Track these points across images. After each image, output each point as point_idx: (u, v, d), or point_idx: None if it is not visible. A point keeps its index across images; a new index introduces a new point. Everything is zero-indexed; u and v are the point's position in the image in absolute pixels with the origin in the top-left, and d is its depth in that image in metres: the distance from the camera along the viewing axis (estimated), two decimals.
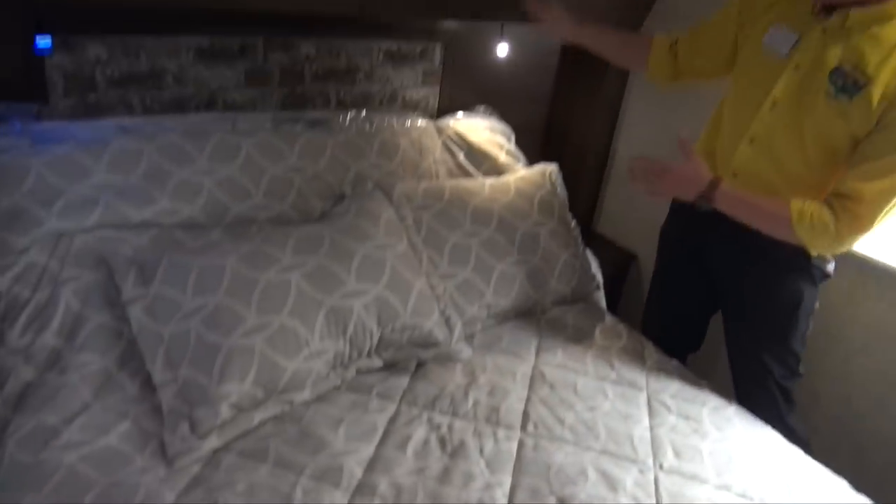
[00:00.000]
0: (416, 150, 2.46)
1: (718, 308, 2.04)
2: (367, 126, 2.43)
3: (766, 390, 1.90)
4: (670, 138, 2.85)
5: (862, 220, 1.47)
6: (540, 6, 2.07)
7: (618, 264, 3.14)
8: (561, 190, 2.58)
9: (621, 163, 3.17)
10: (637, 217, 3.11)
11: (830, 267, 1.76)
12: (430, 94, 2.80)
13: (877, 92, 1.40)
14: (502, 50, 2.75)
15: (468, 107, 2.83)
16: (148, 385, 1.55)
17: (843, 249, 1.57)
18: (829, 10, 1.50)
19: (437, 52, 2.72)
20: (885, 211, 1.46)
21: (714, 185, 1.59)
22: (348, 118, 2.42)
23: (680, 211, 2.03)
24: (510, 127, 2.83)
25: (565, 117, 3.16)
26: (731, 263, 1.85)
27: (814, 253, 1.62)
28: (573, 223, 2.51)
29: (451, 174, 2.53)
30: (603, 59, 2.14)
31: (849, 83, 1.44)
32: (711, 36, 1.86)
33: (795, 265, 1.72)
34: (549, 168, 2.57)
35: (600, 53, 2.10)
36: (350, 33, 2.48)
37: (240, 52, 2.30)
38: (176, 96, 2.22)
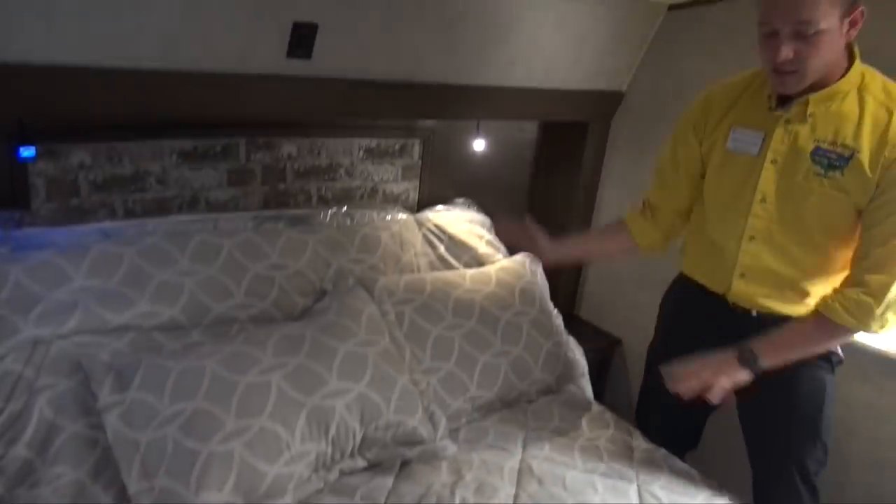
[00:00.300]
0: (396, 243, 2.49)
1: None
2: (348, 221, 2.47)
3: (790, 487, 1.77)
4: None
5: (891, 283, 1.46)
6: (515, 233, 1.99)
7: (603, 350, 3.13)
8: (541, 278, 2.61)
9: None
10: (620, 301, 3.13)
11: (842, 354, 1.74)
12: (410, 188, 2.87)
13: (865, 158, 1.43)
14: (479, 145, 2.84)
15: (447, 199, 2.89)
16: (123, 496, 1.50)
17: (892, 320, 1.51)
18: (784, 101, 1.54)
19: (416, 148, 2.80)
20: None
21: (745, 351, 1.56)
22: (329, 214, 2.46)
23: (683, 287, 1.93)
24: (489, 218, 2.89)
25: (543, 206, 3.24)
26: None
27: (876, 330, 1.52)
28: (555, 312, 2.52)
29: (432, 266, 2.56)
30: (595, 259, 2.06)
31: (834, 158, 1.47)
32: (679, 172, 1.83)
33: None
34: (530, 257, 2.60)
35: (589, 258, 2.03)
36: (331, 132, 2.55)
37: (222, 154, 2.35)
38: (159, 198, 2.26)
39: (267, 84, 2.01)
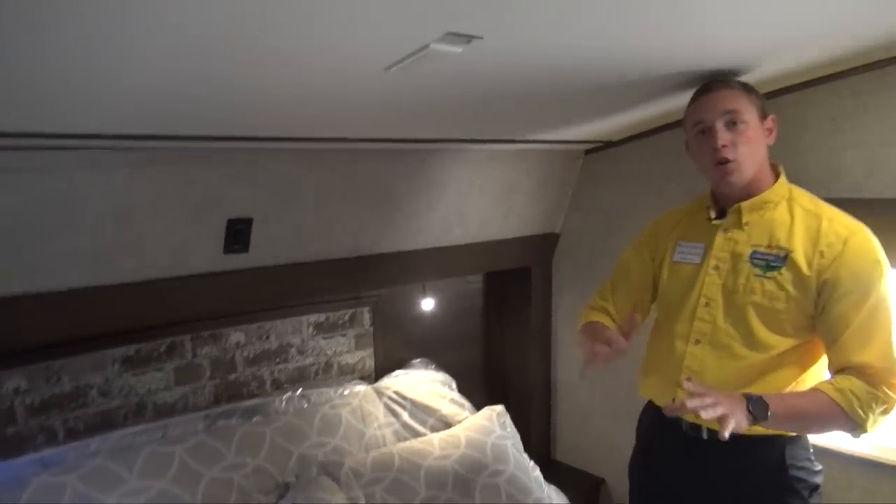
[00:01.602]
0: (358, 418, 2.41)
1: None
2: (305, 404, 2.39)
3: None
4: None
5: (892, 375, 1.45)
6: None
7: (586, 492, 3.00)
8: (511, 430, 2.54)
9: (564, 388, 3.19)
10: (595, 439, 3.05)
11: (818, 478, 1.65)
12: (366, 357, 2.82)
13: (800, 258, 1.51)
14: (428, 304, 2.86)
15: (405, 362, 2.85)
16: None
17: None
18: (721, 214, 1.65)
19: (366, 316, 2.79)
20: None
21: (755, 397, 1.43)
22: (285, 400, 2.38)
23: (650, 435, 1.89)
24: (450, 374, 2.84)
25: (501, 353, 3.22)
26: (706, 491, 1.70)
27: (870, 430, 1.48)
28: (531, 464, 2.43)
29: (398, 436, 2.46)
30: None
31: (770, 259, 1.55)
32: (630, 279, 1.88)
33: (777, 482, 1.61)
34: (496, 410, 2.55)
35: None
36: (277, 314, 2.53)
37: (167, 353, 2.29)
38: (102, 411, 2.15)
39: (206, 282, 2.00)
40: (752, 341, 1.59)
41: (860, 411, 1.44)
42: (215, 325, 2.36)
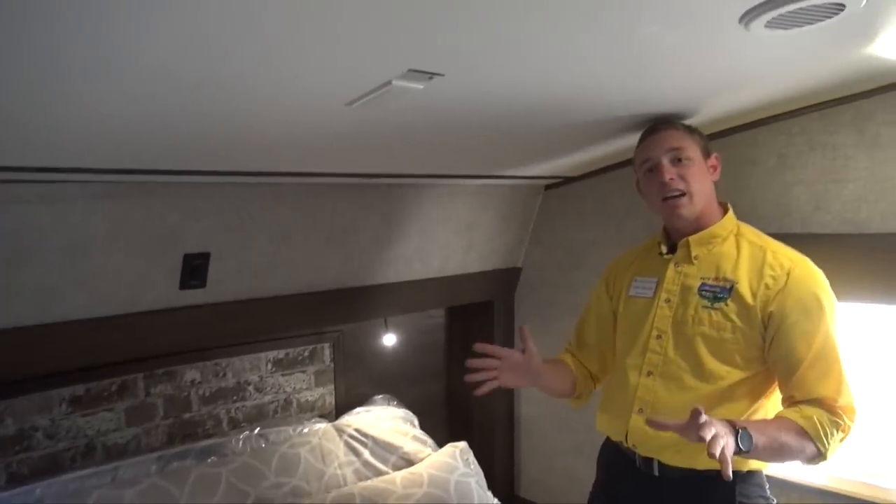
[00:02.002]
0: (317, 457, 2.35)
1: None
2: (263, 443, 2.32)
3: None
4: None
5: (849, 407, 1.50)
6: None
7: None
8: (475, 467, 2.51)
9: (528, 423, 3.17)
10: (559, 474, 3.03)
11: None
12: (326, 393, 2.77)
13: (744, 289, 1.56)
14: (389, 339, 2.83)
15: (366, 398, 2.81)
16: None
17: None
18: (672, 248, 1.71)
19: (327, 352, 2.75)
20: (849, 385, 1.50)
21: (733, 424, 1.41)
22: (242, 439, 2.31)
23: (607, 467, 1.89)
24: (412, 411, 2.81)
25: (464, 390, 3.18)
26: None
27: (829, 458, 1.49)
28: (495, 501, 2.40)
29: (359, 475, 2.41)
30: (547, 384, 1.89)
31: (717, 291, 1.60)
32: (595, 325, 1.91)
33: None
34: (459, 446, 2.52)
35: (546, 379, 1.87)
36: (234, 350, 2.47)
37: (118, 393, 2.21)
38: (49, 454, 2.06)
39: (162, 318, 1.95)
40: (701, 372, 1.62)
41: (825, 439, 1.47)
42: (170, 363, 2.30)
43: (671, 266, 1.70)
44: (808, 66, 1.56)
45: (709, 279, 1.63)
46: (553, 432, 3.03)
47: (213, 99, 1.16)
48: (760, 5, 1.06)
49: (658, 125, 1.69)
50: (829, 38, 1.28)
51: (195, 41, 0.91)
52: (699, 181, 1.63)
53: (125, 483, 1.94)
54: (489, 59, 1.16)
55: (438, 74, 1.16)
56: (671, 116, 1.74)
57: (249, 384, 2.55)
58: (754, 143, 2.15)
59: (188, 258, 1.89)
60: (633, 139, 1.78)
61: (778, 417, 1.54)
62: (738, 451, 1.38)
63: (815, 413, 1.49)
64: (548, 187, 2.85)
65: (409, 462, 2.50)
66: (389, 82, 1.16)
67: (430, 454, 2.54)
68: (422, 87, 1.19)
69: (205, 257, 1.92)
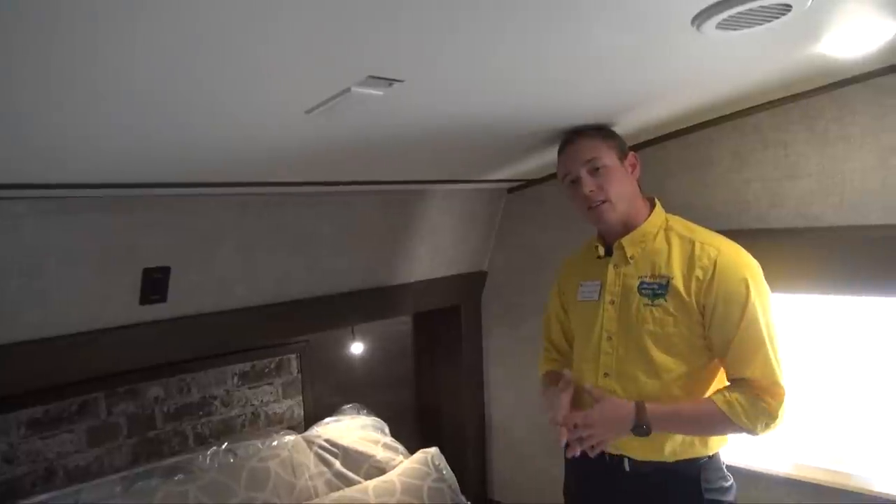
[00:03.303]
0: (288, 470, 2.32)
1: None
2: (231, 458, 2.28)
3: None
4: (532, 395, 2.95)
5: (776, 387, 1.56)
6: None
7: None
8: (447, 472, 2.51)
9: (499, 426, 3.18)
10: (530, 475, 3.04)
11: (731, 496, 1.70)
12: (294, 405, 2.74)
13: (679, 283, 1.63)
14: (357, 348, 2.81)
15: (335, 408, 2.78)
16: None
17: (782, 421, 1.59)
18: (608, 251, 1.76)
19: (294, 363, 2.72)
20: (781, 369, 1.58)
21: (641, 409, 1.62)
22: (209, 455, 2.27)
23: (576, 466, 1.91)
24: (382, 418, 2.79)
25: (433, 394, 3.20)
26: None
27: (760, 434, 1.61)
28: None
29: (330, 486, 2.39)
30: None
31: (655, 288, 1.66)
32: (558, 326, 1.99)
33: None
34: (431, 452, 2.51)
35: None
36: (199, 365, 2.43)
37: (79, 413, 2.16)
38: (6, 479, 1.99)
39: (122, 334, 1.89)
40: (653, 368, 1.67)
41: (744, 419, 1.56)
42: (132, 380, 2.25)
43: (610, 268, 1.75)
44: (757, 66, 1.60)
45: (646, 277, 1.68)
46: (524, 434, 3.04)
47: (168, 110, 1.14)
48: (711, 7, 1.08)
49: (571, 136, 1.74)
50: (777, 39, 1.32)
51: (148, 51, 0.89)
52: (618, 185, 1.68)
53: None
54: (449, 64, 1.16)
55: (398, 81, 1.16)
56: (607, 120, 1.78)
57: (215, 398, 2.50)
58: (711, 141, 2.19)
59: (147, 272, 1.84)
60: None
61: (704, 398, 1.65)
62: (638, 430, 1.59)
63: (736, 395, 1.59)
64: (510, 190, 2.87)
65: (381, 470, 2.49)
66: (348, 89, 1.15)
67: (401, 461, 2.53)
68: (381, 93, 1.19)
69: (165, 271, 1.88)
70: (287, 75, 1.08)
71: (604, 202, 1.67)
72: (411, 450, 2.66)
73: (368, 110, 1.29)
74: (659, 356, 1.66)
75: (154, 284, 1.87)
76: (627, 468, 1.70)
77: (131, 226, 1.77)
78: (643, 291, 1.68)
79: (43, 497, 1.95)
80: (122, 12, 0.78)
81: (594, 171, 1.68)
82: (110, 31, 0.81)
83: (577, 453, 1.64)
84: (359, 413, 2.77)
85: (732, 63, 1.50)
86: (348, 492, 2.25)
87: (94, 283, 1.78)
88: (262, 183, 1.86)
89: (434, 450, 2.55)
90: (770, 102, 2.02)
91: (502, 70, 1.24)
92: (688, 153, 2.19)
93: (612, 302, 1.73)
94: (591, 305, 1.79)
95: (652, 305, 1.66)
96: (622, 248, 1.72)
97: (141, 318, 1.91)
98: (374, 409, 2.85)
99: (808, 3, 1.11)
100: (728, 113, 2.10)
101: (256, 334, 2.35)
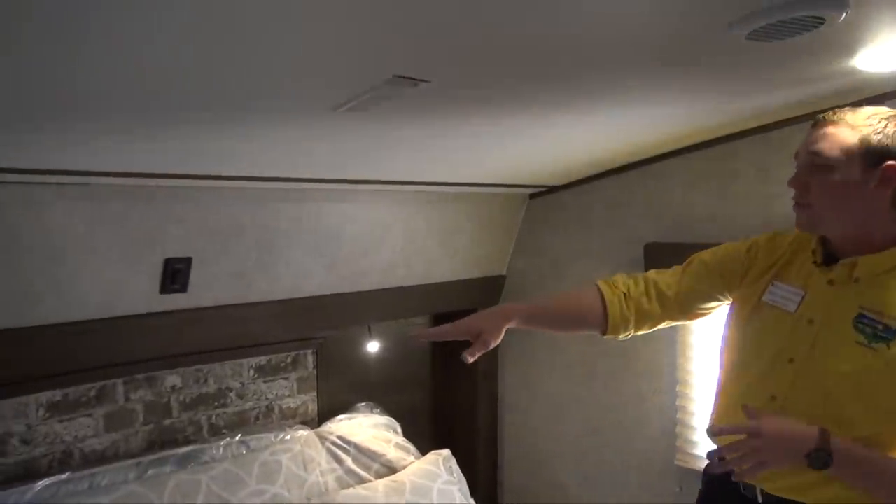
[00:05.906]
0: (299, 465, 2.33)
1: None
2: (244, 450, 2.30)
3: None
4: (546, 402, 2.94)
5: None
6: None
7: None
8: (458, 475, 2.50)
9: (512, 430, 3.17)
10: (543, 482, 3.03)
11: None
12: (308, 400, 2.75)
13: None
14: (373, 347, 2.82)
15: (349, 406, 2.79)
16: None
17: None
18: (827, 259, 1.39)
19: (310, 359, 2.73)
20: None
21: (825, 435, 1.25)
22: (222, 446, 2.29)
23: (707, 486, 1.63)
24: (395, 418, 2.79)
25: (448, 397, 3.20)
26: None
27: None
28: None
29: (340, 483, 2.39)
30: (557, 322, 1.71)
31: (880, 329, 1.30)
32: (689, 279, 1.59)
33: None
34: (442, 454, 2.51)
35: (550, 319, 1.69)
36: (217, 356, 2.45)
37: (97, 398, 2.18)
38: (24, 460, 2.02)
39: (142, 323, 1.93)
40: (831, 415, 1.32)
41: None
42: (150, 368, 2.27)
43: (825, 282, 1.38)
44: (787, 80, 1.58)
45: (871, 311, 1.31)
46: (537, 439, 3.03)
47: (197, 101, 1.15)
48: (745, 17, 1.07)
49: (821, 118, 1.32)
50: (809, 52, 1.30)
51: (180, 45, 0.90)
52: (829, 198, 1.29)
53: (102, 490, 1.91)
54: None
55: (424, 81, 1.16)
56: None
57: (231, 390, 2.52)
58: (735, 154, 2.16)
59: (169, 262, 1.87)
60: (613, 150, 1.77)
61: None
62: (814, 465, 1.24)
63: None
64: (532, 196, 2.86)
65: (391, 470, 2.49)
66: (375, 88, 1.16)
67: (412, 462, 2.53)
68: (407, 92, 1.19)
69: (186, 262, 1.90)
70: (316, 71, 1.09)
71: (806, 206, 1.32)
72: (423, 451, 2.65)
73: (393, 108, 1.29)
74: (851, 405, 1.32)
75: (175, 275, 1.90)
76: (760, 499, 1.41)
77: (154, 216, 1.80)
78: (860, 326, 1.31)
79: (59, 478, 1.97)
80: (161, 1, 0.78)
81: (812, 167, 1.30)
82: (139, 18, 0.82)
83: (722, 469, 1.31)
84: (372, 412, 2.77)
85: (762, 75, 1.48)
86: (358, 489, 2.26)
87: (116, 270, 1.81)
88: (285, 178, 1.88)
89: (446, 452, 2.55)
90: (796, 117, 1.99)
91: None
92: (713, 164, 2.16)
93: (811, 322, 1.37)
94: (781, 316, 1.42)
95: (867, 346, 1.29)
96: (851, 266, 1.34)
97: (161, 307, 1.94)
98: (388, 409, 2.85)
99: (843, 17, 1.10)
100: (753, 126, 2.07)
101: (273, 329, 2.36)
